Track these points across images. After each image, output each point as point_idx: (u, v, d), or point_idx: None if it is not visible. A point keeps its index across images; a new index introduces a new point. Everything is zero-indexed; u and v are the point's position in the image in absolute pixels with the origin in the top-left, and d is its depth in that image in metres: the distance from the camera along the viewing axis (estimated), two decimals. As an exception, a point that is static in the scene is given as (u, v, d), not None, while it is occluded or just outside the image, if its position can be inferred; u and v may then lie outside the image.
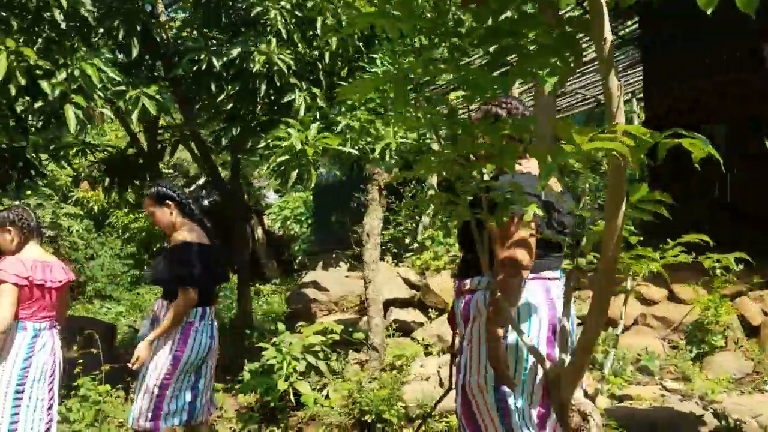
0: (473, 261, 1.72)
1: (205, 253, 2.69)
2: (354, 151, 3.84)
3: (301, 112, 3.89)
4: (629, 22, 6.46)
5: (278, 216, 16.29)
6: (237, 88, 3.72)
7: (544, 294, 1.76)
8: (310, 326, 3.92)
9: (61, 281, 2.80)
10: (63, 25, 3.32)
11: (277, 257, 15.63)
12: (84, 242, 14.35)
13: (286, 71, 3.63)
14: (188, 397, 2.67)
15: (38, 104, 3.20)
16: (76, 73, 3.21)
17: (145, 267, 14.62)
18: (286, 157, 3.73)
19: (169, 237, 2.75)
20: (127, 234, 14.26)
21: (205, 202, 9.86)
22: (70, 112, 3.21)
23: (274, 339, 3.82)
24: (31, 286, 2.66)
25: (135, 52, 3.61)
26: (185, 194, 2.83)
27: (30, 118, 3.71)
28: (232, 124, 3.87)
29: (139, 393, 2.65)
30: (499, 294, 1.50)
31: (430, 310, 4.34)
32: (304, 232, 14.87)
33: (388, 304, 4.20)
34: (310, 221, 14.83)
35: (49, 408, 2.79)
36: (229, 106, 3.77)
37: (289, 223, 14.88)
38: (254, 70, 3.55)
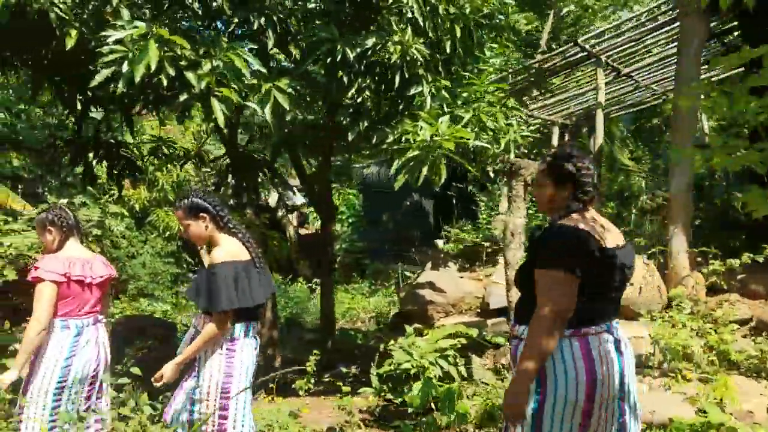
0: (526, 305, 1.86)
1: (244, 269, 2.56)
2: (486, 145, 3.68)
3: (427, 105, 3.74)
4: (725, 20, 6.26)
5: (317, 215, 16.16)
6: (368, 80, 3.58)
7: (581, 350, 1.81)
8: (438, 329, 3.76)
9: (102, 276, 2.84)
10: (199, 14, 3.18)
11: (311, 256, 15.54)
12: (126, 240, 14.35)
13: (421, 61, 3.47)
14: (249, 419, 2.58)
15: (183, 97, 3.06)
16: (220, 64, 3.08)
17: (184, 266, 14.61)
18: (416, 152, 3.58)
19: (207, 252, 2.63)
20: (168, 233, 14.24)
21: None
22: (216, 104, 3.07)
23: (401, 342, 3.67)
24: (69, 283, 2.69)
25: (270, 44, 3.46)
26: (221, 205, 2.65)
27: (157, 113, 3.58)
28: (359, 119, 3.72)
29: (189, 415, 2.55)
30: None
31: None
32: (345, 231, 14.75)
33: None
34: (351, 220, 14.71)
35: (88, 398, 2.80)
36: (359, 100, 3.62)
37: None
38: (392, 61, 3.40)
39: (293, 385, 4.12)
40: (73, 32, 3.13)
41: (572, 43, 6.64)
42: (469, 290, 4.65)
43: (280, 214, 20.18)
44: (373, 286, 11.34)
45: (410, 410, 3.42)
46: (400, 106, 3.77)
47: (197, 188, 2.82)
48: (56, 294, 2.65)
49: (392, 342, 3.78)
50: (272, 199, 19.38)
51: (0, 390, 2.59)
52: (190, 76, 3.02)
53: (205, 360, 2.53)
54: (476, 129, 3.85)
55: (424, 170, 3.51)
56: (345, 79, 3.52)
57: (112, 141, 5.00)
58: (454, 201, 10.78)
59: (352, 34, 3.54)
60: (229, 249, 2.55)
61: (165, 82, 2.91)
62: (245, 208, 5.79)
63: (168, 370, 2.53)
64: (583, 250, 1.78)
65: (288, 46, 3.68)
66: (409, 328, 3.71)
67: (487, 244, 6.27)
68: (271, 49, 3.50)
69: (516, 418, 1.79)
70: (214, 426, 2.48)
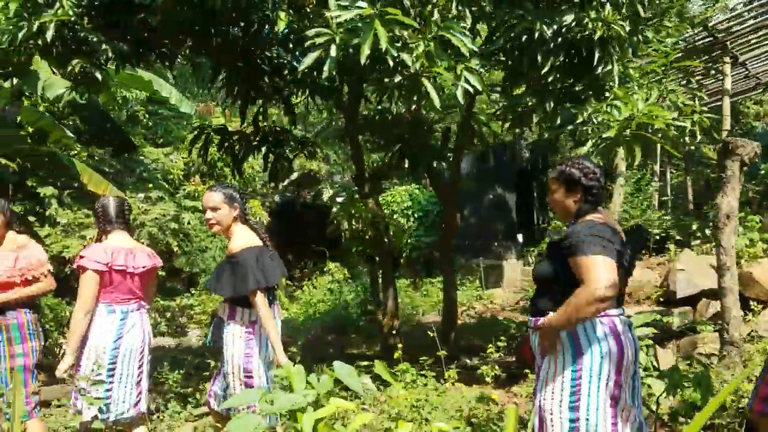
0: (545, 299, 2.12)
1: (261, 253, 2.77)
2: (684, 124, 3.50)
3: (616, 83, 3.58)
4: None
5: (384, 210, 16.10)
6: (560, 58, 3.44)
7: (610, 330, 2.02)
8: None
9: (144, 267, 2.97)
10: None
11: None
12: (196, 234, 14.57)
13: (624, 37, 3.31)
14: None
15: (397, 78, 2.98)
16: (432, 44, 2.98)
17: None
18: (614, 132, 3.42)
19: (227, 238, 2.82)
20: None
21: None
22: (429, 85, 2.98)
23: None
24: (111, 272, 2.84)
25: (469, 23, 3.35)
26: (244, 198, 2.94)
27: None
28: (545, 99, 3.58)
29: (223, 397, 2.81)
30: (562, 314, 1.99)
31: (751, 302, 3.94)
32: (411, 226, 14.64)
33: (700, 296, 3.84)
34: (417, 215, 14.59)
35: (138, 382, 2.96)
36: (550, 79, 3.48)
37: (395, 216, 14.67)
38: (595, 37, 3.25)
39: (477, 372, 4.09)
40: (283, 14, 3.08)
41: (702, 28, 6.36)
42: (647, 279, 4.46)
43: (334, 210, 20.22)
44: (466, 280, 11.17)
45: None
46: (588, 85, 3.61)
47: (226, 183, 3.09)
48: (98, 281, 2.81)
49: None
50: (326, 194, 19.47)
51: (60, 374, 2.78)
52: (405, 56, 2.93)
53: (227, 343, 2.75)
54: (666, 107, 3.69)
55: (621, 151, 3.37)
56: (539, 57, 3.39)
57: (278, 129, 4.96)
58: (535, 194, 10.54)
59: (548, 11, 3.40)
60: (245, 236, 2.77)
61: (391, 63, 2.82)
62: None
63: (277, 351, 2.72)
64: (613, 242, 2.00)
65: (475, 26, 3.56)
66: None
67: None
68: (468, 28, 3.39)
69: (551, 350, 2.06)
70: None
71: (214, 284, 2.85)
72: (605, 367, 1.96)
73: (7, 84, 5.40)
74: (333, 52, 2.99)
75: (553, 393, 2.02)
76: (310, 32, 3.06)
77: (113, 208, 3.01)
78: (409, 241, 14.58)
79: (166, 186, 13.69)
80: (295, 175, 19.08)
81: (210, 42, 3.82)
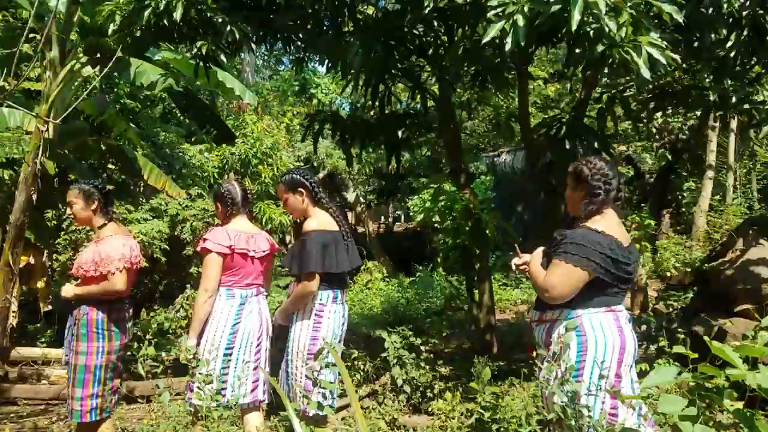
0: None
1: (333, 239, 2.79)
2: None
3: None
4: None
5: (420, 208, 15.93)
6: (745, 33, 3.19)
7: (615, 322, 2.19)
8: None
9: (265, 251, 2.97)
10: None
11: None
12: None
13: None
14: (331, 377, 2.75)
15: (599, 48, 2.72)
16: (633, 12, 2.73)
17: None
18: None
19: (302, 224, 2.85)
20: (270, 225, 14.20)
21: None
22: (636, 56, 2.71)
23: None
24: (233, 255, 2.83)
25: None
26: (316, 182, 2.93)
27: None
28: (722, 76, 3.34)
29: (287, 378, 2.81)
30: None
31: None
32: (446, 225, 14.39)
33: None
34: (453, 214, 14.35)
35: (255, 369, 2.92)
36: (731, 54, 3.24)
37: (432, 214, 14.44)
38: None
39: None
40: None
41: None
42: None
43: (359, 209, 20.08)
44: (506, 278, 10.95)
45: None
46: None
47: (298, 167, 3.05)
48: (221, 265, 2.80)
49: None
50: (350, 195, 19.25)
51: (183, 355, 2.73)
52: (609, 23, 2.68)
53: (295, 324, 2.79)
54: None
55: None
56: (724, 31, 3.15)
57: (411, 112, 4.65)
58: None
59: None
60: (321, 219, 2.83)
61: (591, 33, 2.58)
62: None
63: (279, 315, 2.89)
64: (602, 251, 2.13)
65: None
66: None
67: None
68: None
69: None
70: (301, 384, 2.71)
71: (287, 262, 2.92)
72: (608, 357, 2.10)
73: (90, 71, 5.14)
74: (521, 21, 2.74)
75: (557, 380, 2.10)
76: (493, 2, 2.82)
77: (239, 192, 2.98)
78: (445, 239, 14.33)
79: (203, 183, 13.46)
80: (321, 174, 18.89)
81: (350, 20, 3.58)
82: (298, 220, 3.04)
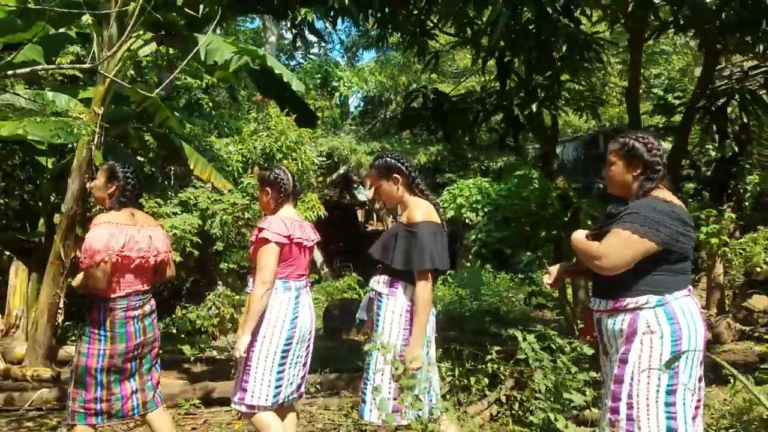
0: (623, 279, 2.01)
1: (439, 231, 2.55)
2: None
3: None
4: None
5: (451, 204, 15.59)
6: None
7: (697, 307, 2.04)
8: None
9: (314, 240, 2.82)
10: None
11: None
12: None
13: None
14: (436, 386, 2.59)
15: None
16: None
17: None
18: None
19: (400, 213, 2.61)
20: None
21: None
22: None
23: None
24: (291, 245, 2.66)
25: None
26: (413, 166, 2.68)
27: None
28: None
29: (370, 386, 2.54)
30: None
31: None
32: (479, 221, 14.02)
33: None
34: (486, 209, 13.99)
35: (305, 363, 2.80)
36: None
37: (463, 211, 14.09)
38: None
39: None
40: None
41: None
42: None
43: (377, 206, 19.77)
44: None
45: None
46: None
47: (392, 151, 2.72)
48: (279, 255, 2.60)
49: None
50: (368, 193, 18.92)
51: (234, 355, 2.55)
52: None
53: (387, 320, 2.53)
54: None
55: None
56: None
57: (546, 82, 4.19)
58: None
59: None
60: (426, 209, 2.55)
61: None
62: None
63: (414, 353, 2.48)
64: (671, 222, 1.95)
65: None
66: None
67: None
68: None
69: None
70: (390, 394, 2.46)
71: (380, 252, 2.61)
72: (700, 343, 1.97)
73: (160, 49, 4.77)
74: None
75: (649, 377, 1.93)
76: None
77: (290, 178, 2.79)
78: (479, 236, 14.01)
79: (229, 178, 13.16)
80: (342, 170, 18.53)
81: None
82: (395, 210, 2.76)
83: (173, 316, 10.23)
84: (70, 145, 5.68)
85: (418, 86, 15.73)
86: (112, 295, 2.64)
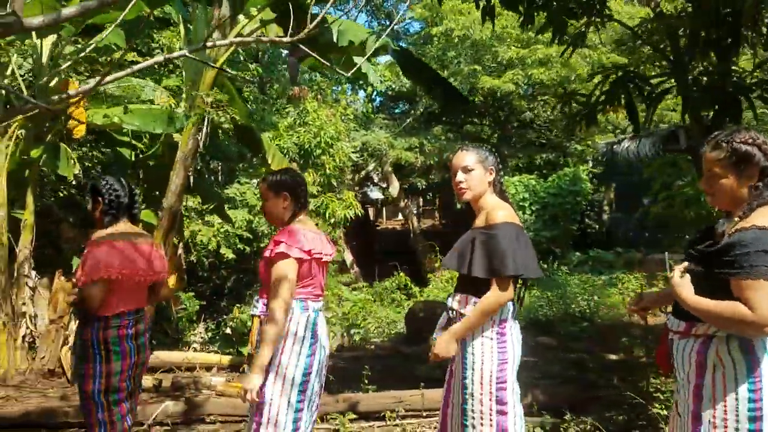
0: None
1: (524, 235, 2.24)
2: None
3: None
4: None
5: None
6: None
7: None
8: None
9: (330, 254, 2.47)
10: None
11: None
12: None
13: None
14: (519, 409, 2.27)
15: None
16: None
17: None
18: None
19: (476, 211, 2.31)
20: (333, 219, 13.61)
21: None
22: None
23: None
24: (311, 261, 2.32)
25: None
26: (500, 164, 2.38)
27: None
28: None
29: (463, 417, 2.22)
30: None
31: None
32: (526, 220, 13.64)
33: None
34: (534, 208, 13.65)
35: (318, 397, 2.47)
36: None
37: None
38: None
39: None
40: None
41: None
42: None
43: (402, 204, 19.44)
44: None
45: None
46: None
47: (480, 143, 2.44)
48: (298, 273, 2.27)
49: None
50: (393, 189, 18.54)
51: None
52: None
53: (471, 347, 2.21)
54: None
55: None
56: None
57: None
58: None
59: None
60: (507, 210, 2.25)
61: None
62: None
63: (443, 345, 2.23)
64: None
65: None
66: None
67: None
68: None
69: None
70: (492, 423, 2.16)
71: (455, 261, 2.28)
72: None
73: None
74: None
75: (725, 408, 1.74)
76: None
77: (305, 186, 2.45)
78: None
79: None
80: (371, 166, 18.15)
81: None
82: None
83: (224, 317, 9.89)
84: (161, 137, 5.30)
85: (455, 78, 15.38)
86: (107, 314, 2.50)
